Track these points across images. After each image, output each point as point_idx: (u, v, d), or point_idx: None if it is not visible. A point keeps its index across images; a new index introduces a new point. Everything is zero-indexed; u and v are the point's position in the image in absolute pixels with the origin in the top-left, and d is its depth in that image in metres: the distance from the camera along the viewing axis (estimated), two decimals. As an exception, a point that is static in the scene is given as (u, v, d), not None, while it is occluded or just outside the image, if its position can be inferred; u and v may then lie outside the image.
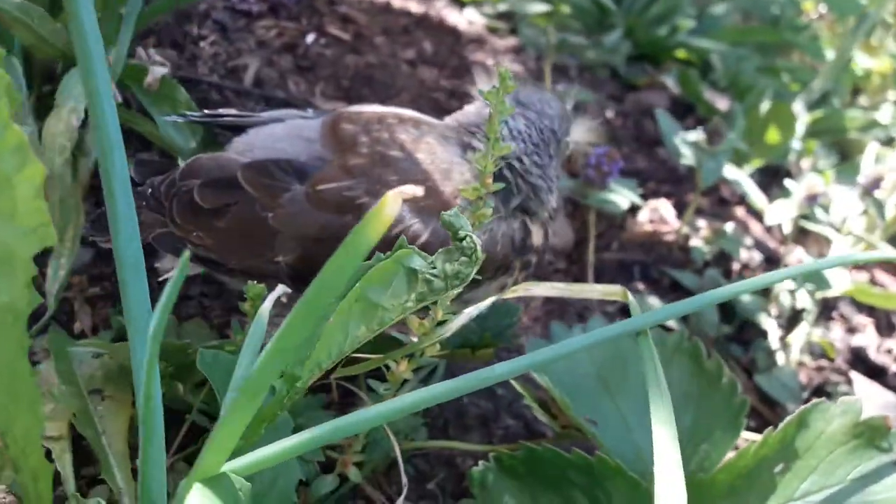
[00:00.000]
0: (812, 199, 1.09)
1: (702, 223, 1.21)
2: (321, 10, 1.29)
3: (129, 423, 0.68)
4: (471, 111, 0.80)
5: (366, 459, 0.70)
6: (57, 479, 0.59)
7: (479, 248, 0.51)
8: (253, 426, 0.54)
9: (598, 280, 1.09)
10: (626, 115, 1.53)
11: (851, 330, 1.20)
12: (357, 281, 0.52)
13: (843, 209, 1.14)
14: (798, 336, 1.08)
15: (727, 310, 1.10)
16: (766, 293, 1.13)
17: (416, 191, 0.36)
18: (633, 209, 1.20)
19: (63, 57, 0.81)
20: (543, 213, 0.77)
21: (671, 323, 1.05)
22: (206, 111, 0.76)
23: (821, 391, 1.05)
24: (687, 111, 1.58)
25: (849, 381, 1.06)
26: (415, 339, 0.65)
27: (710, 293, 0.65)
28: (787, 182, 1.11)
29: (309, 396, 0.71)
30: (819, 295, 1.10)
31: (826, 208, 1.17)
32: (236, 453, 0.54)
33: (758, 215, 1.29)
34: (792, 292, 1.10)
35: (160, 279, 0.75)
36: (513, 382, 0.70)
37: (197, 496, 0.47)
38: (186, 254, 0.41)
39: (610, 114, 1.53)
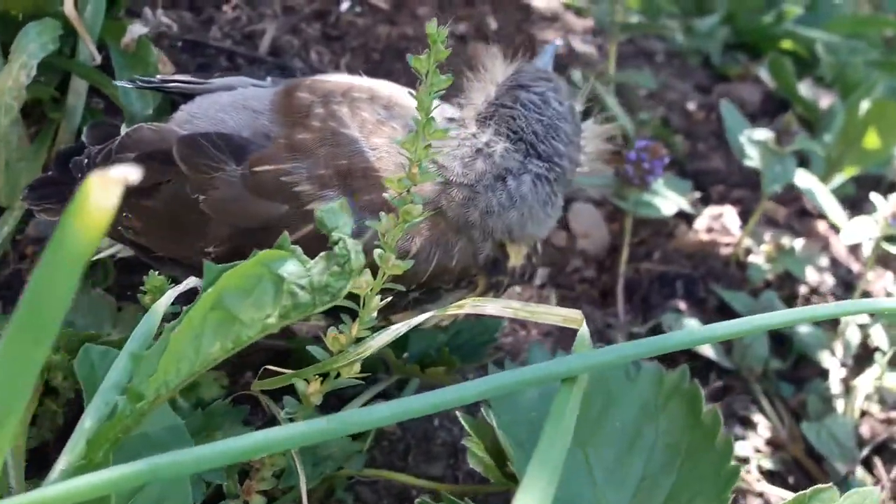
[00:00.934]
0: (899, 217, 0.91)
1: (769, 236, 1.05)
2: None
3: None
4: (475, 96, 0.69)
5: (284, 486, 0.61)
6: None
7: (354, 255, 0.41)
8: (92, 445, 0.47)
9: (630, 295, 0.96)
10: (712, 108, 1.36)
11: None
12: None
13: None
14: (866, 380, 0.90)
15: (782, 341, 0.95)
16: (833, 325, 0.96)
17: (132, 175, 0.27)
18: (688, 214, 1.05)
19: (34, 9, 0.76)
20: (529, 237, 0.65)
21: (708, 351, 0.91)
22: (159, 76, 0.69)
23: (885, 449, 0.88)
24: (781, 108, 1.39)
25: (924, 441, 0.89)
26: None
27: (733, 323, 0.52)
28: (874, 196, 0.94)
29: (233, 408, 0.64)
30: (899, 333, 0.92)
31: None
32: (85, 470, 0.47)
33: (843, 232, 1.11)
34: (863, 326, 0.93)
35: (93, 258, 0.70)
36: (458, 415, 0.60)
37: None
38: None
39: (692, 106, 1.37)
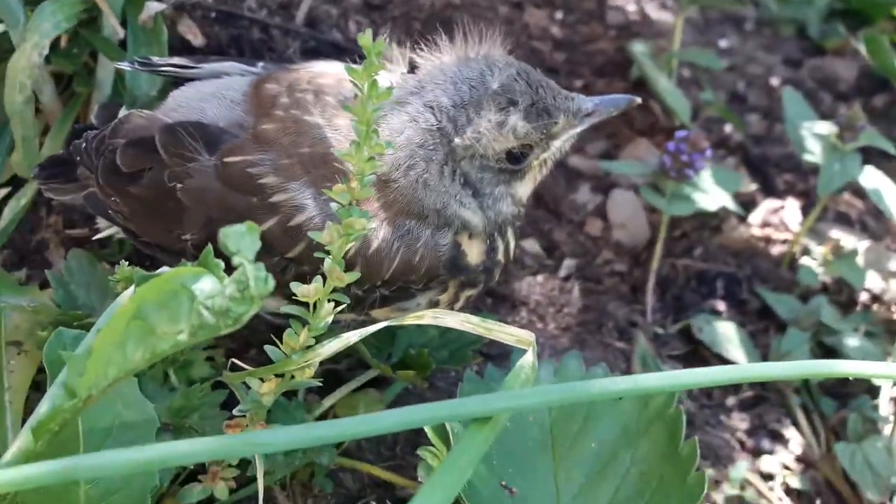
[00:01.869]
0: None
1: (835, 235, 0.96)
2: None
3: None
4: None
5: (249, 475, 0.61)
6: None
7: (254, 281, 0.40)
8: (35, 434, 0.48)
9: (662, 293, 0.90)
10: (799, 84, 1.24)
11: None
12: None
13: None
14: (920, 403, 0.83)
15: (830, 352, 0.87)
16: (890, 336, 0.88)
17: None
18: (744, 206, 0.98)
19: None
20: (478, 228, 0.62)
21: (740, 357, 0.85)
22: (155, 59, 0.69)
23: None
24: (879, 88, 1.26)
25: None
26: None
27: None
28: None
29: (210, 394, 0.64)
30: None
31: None
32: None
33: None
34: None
35: (95, 237, 0.71)
36: (427, 430, 0.57)
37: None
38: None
39: (776, 81, 1.26)
